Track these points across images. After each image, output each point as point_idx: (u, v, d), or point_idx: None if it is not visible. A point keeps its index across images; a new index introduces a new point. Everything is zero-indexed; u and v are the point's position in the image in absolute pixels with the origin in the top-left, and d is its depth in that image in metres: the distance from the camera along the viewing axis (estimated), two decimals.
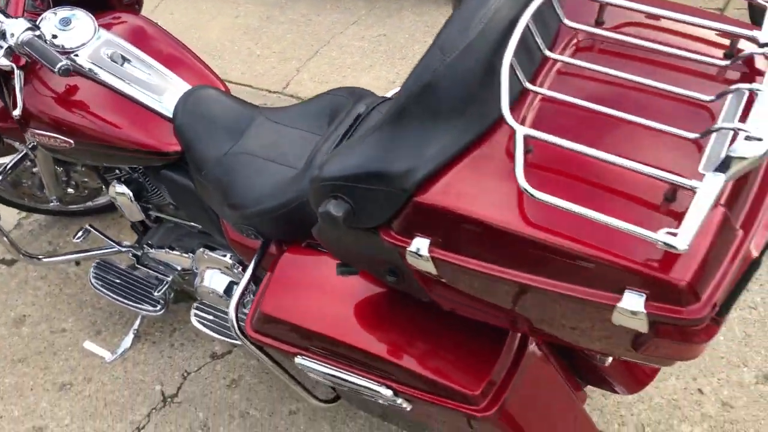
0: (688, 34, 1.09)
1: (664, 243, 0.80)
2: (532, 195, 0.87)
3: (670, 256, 0.88)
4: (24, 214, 2.59)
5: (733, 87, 0.92)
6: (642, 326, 0.91)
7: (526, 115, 1.03)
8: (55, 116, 1.64)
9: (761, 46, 0.97)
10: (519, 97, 1.04)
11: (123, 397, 1.95)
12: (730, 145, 0.84)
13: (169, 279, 1.95)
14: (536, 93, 1.02)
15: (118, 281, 2.01)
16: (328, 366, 1.31)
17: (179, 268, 1.93)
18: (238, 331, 1.46)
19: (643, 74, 1.01)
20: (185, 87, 1.67)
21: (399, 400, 1.27)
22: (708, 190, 0.83)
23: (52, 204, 2.28)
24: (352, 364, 1.29)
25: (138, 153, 1.63)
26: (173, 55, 1.75)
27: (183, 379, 1.98)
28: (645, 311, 0.88)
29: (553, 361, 1.36)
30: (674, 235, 0.81)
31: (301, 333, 1.31)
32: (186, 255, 1.86)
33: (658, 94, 1.01)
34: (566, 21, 1.10)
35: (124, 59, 1.64)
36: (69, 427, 1.90)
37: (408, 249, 1.01)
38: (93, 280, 2.01)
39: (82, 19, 1.64)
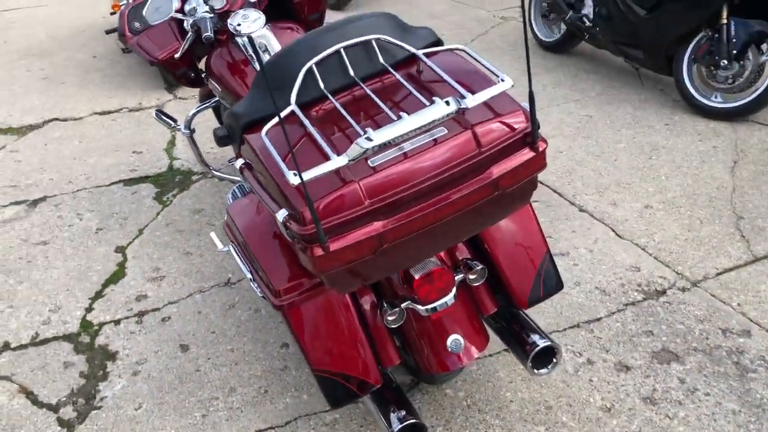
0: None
1: (287, 178, 1.32)
2: (261, 137, 1.45)
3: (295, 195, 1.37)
4: None
5: (401, 114, 1.35)
6: (287, 234, 1.41)
7: (317, 107, 1.57)
8: (216, 73, 2.56)
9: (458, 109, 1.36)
10: (320, 98, 1.57)
11: (210, 267, 2.82)
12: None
13: None
14: (329, 97, 1.55)
15: None
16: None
17: None
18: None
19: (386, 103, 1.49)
20: None
21: (254, 286, 1.86)
22: (335, 162, 1.31)
23: None
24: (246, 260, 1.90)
25: None
26: None
27: None
28: (282, 221, 1.39)
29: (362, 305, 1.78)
30: (295, 176, 1.32)
31: None
32: None
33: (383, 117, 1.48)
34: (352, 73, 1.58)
35: (265, 49, 2.49)
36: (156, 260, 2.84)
37: (235, 162, 1.65)
38: (228, 195, 2.92)
39: (259, 20, 2.51)
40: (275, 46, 2.44)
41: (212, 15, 2.45)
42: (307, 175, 1.30)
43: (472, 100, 1.37)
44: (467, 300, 1.82)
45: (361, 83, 1.55)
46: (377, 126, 1.45)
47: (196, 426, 2.10)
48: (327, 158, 1.34)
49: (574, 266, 2.67)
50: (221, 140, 1.75)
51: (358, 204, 1.37)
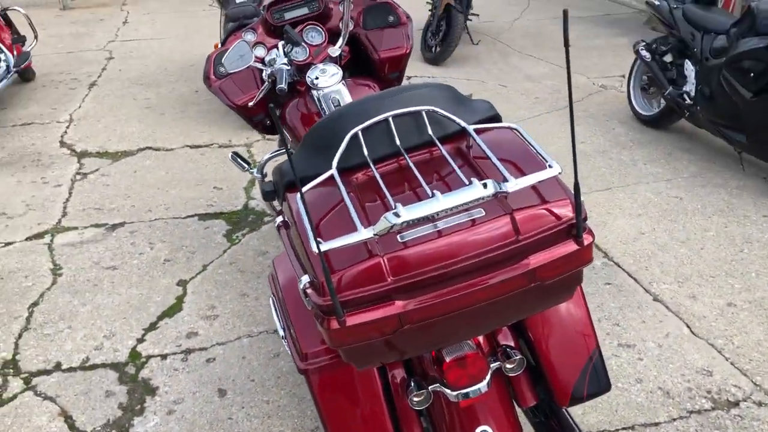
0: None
1: (311, 246, 1.28)
2: (296, 198, 1.42)
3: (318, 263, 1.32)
4: None
5: (435, 192, 1.28)
6: (306, 302, 1.36)
7: (360, 173, 1.52)
8: (288, 122, 2.58)
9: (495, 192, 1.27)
10: (364, 164, 1.52)
11: (263, 312, 2.81)
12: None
13: None
14: (370, 164, 1.49)
15: None
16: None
17: None
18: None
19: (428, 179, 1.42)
20: None
21: (284, 343, 1.81)
22: (361, 234, 1.26)
23: None
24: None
25: None
26: None
27: None
28: (302, 288, 1.35)
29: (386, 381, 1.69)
30: (319, 244, 1.27)
31: None
32: None
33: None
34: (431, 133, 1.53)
35: (338, 104, 2.49)
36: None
37: (275, 220, 1.62)
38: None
39: (336, 75, 2.52)
40: (346, 101, 2.45)
41: (290, 67, 2.47)
42: (329, 245, 1.25)
43: (513, 185, 1.28)
44: (503, 389, 1.70)
45: (404, 154, 1.50)
46: (413, 200, 1.39)
47: None
48: (355, 229, 1.29)
49: (639, 360, 2.47)
50: (266, 195, 1.73)
51: (380, 280, 1.30)
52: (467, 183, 1.30)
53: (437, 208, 1.23)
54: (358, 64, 2.78)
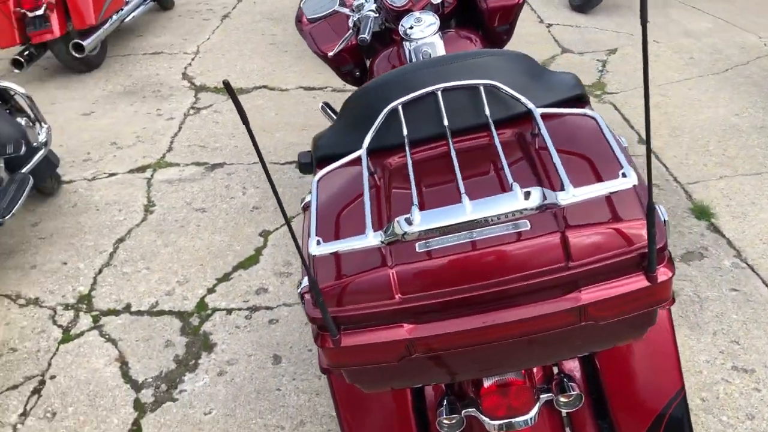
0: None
1: (310, 247, 1.06)
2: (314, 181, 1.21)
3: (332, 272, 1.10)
4: None
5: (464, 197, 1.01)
6: (303, 308, 1.15)
7: (396, 156, 1.27)
8: (376, 75, 2.33)
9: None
10: (401, 146, 1.27)
11: None
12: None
13: None
14: (406, 148, 1.24)
15: None
16: None
17: None
18: None
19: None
20: None
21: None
22: (366, 240, 1.03)
23: None
24: None
25: None
26: None
27: None
28: (300, 292, 1.14)
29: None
30: (318, 244, 1.06)
31: None
32: None
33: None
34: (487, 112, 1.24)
35: (429, 56, 2.20)
36: None
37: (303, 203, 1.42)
38: None
39: (433, 26, 2.22)
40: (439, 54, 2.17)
41: (378, 15, 2.21)
42: (324, 248, 1.03)
43: (568, 197, 0.98)
44: (556, 421, 1.43)
45: (449, 138, 1.22)
46: (445, 199, 1.12)
47: None
48: (363, 231, 1.05)
49: (755, 391, 2.07)
50: (302, 167, 1.52)
51: (387, 297, 1.06)
52: (509, 187, 1.01)
53: (461, 218, 0.96)
54: (464, 15, 2.46)
